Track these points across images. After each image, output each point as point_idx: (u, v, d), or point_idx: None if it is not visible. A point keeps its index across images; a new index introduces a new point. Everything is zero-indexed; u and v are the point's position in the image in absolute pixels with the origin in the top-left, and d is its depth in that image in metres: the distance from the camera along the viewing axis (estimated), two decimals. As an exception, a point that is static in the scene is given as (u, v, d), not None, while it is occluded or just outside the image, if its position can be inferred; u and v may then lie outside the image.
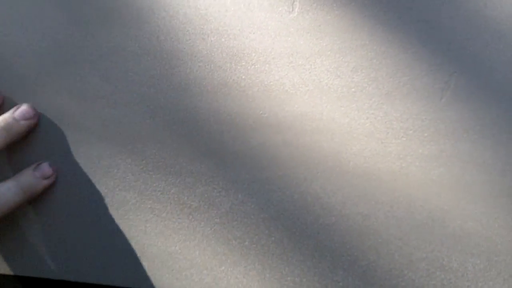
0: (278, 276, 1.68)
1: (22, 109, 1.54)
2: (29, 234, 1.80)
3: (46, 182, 1.51)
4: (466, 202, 1.65)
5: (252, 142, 1.78)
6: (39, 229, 1.80)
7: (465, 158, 1.66)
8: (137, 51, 1.87)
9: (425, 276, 1.61)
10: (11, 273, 1.86)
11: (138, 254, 1.72)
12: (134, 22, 1.85)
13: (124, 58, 1.88)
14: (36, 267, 1.80)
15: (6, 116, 1.49)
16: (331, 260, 1.65)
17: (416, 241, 1.62)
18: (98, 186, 1.80)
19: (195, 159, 1.83)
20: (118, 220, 1.78)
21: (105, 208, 1.78)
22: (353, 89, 1.77)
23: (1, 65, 1.97)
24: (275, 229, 1.72)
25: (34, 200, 1.65)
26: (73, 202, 1.82)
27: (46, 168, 1.52)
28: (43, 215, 1.83)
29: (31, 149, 1.89)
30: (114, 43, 1.90)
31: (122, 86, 1.87)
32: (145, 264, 1.72)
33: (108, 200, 1.80)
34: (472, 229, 1.62)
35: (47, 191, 1.61)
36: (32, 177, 1.50)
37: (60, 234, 1.80)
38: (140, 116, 1.83)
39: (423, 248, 1.61)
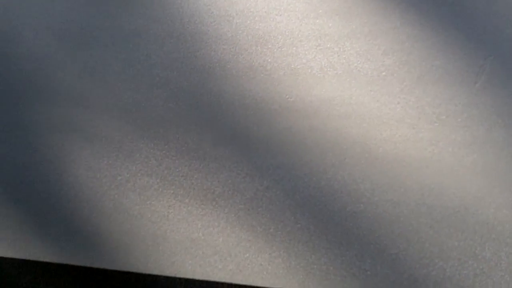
0: (304, 264, 1.63)
1: None
2: (50, 220, 1.81)
3: None
4: (500, 189, 1.63)
5: (278, 127, 1.74)
6: (61, 215, 1.81)
7: (499, 145, 1.64)
8: (160, 34, 1.87)
9: (457, 265, 1.57)
10: (25, 258, 1.87)
11: (161, 240, 1.72)
12: (157, 4, 1.84)
13: (146, 40, 1.88)
14: (54, 253, 1.81)
15: None
16: (359, 248, 1.62)
17: (447, 229, 1.58)
18: (120, 171, 1.81)
19: (219, 144, 1.78)
20: (140, 205, 1.78)
21: (127, 193, 1.79)
22: (383, 73, 1.76)
23: (22, 47, 1.98)
24: (301, 216, 1.69)
25: (55, 185, 1.65)
26: (94, 187, 1.82)
27: None
28: (64, 200, 1.84)
29: (55, 130, 1.89)
30: (136, 26, 1.90)
31: (144, 69, 1.87)
32: (168, 250, 1.72)
33: (130, 185, 1.80)
34: (506, 217, 1.60)
35: (66, 173, 1.62)
36: None
37: (81, 220, 1.81)
38: (163, 100, 1.83)
39: (455, 237, 1.58)
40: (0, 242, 1.79)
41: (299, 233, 1.64)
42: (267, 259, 1.64)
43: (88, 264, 1.73)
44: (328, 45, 1.70)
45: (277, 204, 1.65)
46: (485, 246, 1.55)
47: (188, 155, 1.72)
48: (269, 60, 1.72)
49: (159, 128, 1.73)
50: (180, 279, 1.68)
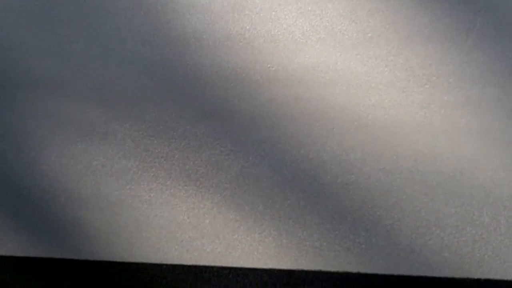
0: (296, 241, 1.58)
1: None
2: (23, 212, 1.70)
3: None
4: (496, 151, 1.57)
5: (261, 99, 1.63)
6: (35, 206, 1.71)
7: (494, 104, 1.57)
8: (129, 5, 1.74)
9: (455, 232, 1.51)
10: (0, 254, 1.78)
11: (144, 226, 1.64)
12: (123, -27, 1.71)
13: (114, 13, 1.76)
14: (33, 246, 1.72)
15: None
16: (352, 221, 1.55)
17: (443, 196, 1.52)
18: (95, 156, 1.71)
19: (199, 120, 1.66)
20: (119, 191, 1.69)
21: (104, 178, 1.69)
22: (369, 35, 1.67)
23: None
24: (290, 191, 1.60)
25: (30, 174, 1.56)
26: (69, 174, 1.72)
27: None
28: (37, 190, 1.74)
29: (22, 116, 1.78)
30: (102, -3, 1.78)
31: (113, 44, 1.74)
32: (152, 236, 1.64)
33: (107, 170, 1.70)
34: (504, 179, 1.54)
35: (38, 161, 1.52)
36: None
37: (58, 210, 1.71)
38: (136, 77, 1.72)
39: (452, 203, 1.52)
40: (-27, 238, 1.70)
41: (289, 209, 1.57)
42: (257, 239, 1.57)
43: (68, 256, 1.65)
44: (310, 8, 1.61)
45: (264, 180, 1.58)
46: (483, 211, 1.49)
47: (167, 134, 1.62)
48: (247, 27, 1.62)
49: (134, 107, 1.63)
50: (167, 265, 1.61)
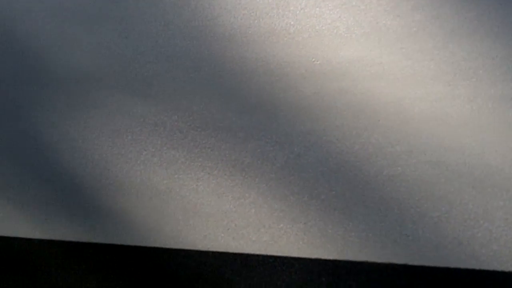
0: (341, 232, 1.31)
1: None
2: (76, 199, 1.49)
3: None
4: (548, 143, 1.30)
5: (306, 92, 1.35)
6: (87, 193, 1.50)
7: (542, 97, 1.31)
8: (177, 2, 1.52)
9: (503, 225, 1.23)
10: (53, 238, 1.57)
11: (191, 214, 1.41)
12: (172, -29, 1.50)
13: (163, 10, 1.54)
14: (85, 232, 1.52)
15: None
16: (398, 213, 1.28)
17: (491, 189, 1.24)
18: (145, 146, 1.49)
19: (245, 112, 1.37)
20: (168, 180, 1.46)
21: (153, 167, 1.46)
22: (414, 29, 1.30)
23: (35, 26, 1.65)
24: (335, 182, 1.31)
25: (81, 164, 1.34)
26: (120, 164, 1.50)
27: None
28: (89, 178, 1.53)
29: (75, 108, 1.58)
30: (152, -5, 1.56)
31: (162, 40, 1.53)
32: (199, 224, 1.36)
33: (156, 160, 1.47)
34: (554, 173, 1.28)
35: (90, 151, 1.31)
36: None
37: (108, 198, 1.50)
38: (184, 71, 1.50)
39: (500, 196, 1.24)
40: (28, 224, 1.50)
41: (334, 200, 1.33)
42: (302, 229, 1.34)
43: (118, 242, 1.43)
44: (354, 3, 1.37)
45: (309, 171, 1.34)
46: (532, 204, 1.24)
47: (213, 126, 1.40)
48: (292, 22, 1.40)
49: (182, 99, 1.41)
50: (213, 252, 1.38)
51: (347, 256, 1.21)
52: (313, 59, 1.28)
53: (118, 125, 1.35)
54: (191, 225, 1.30)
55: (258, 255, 1.27)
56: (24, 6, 1.44)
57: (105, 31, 1.38)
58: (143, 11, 1.35)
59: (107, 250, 1.35)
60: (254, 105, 1.29)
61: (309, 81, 1.27)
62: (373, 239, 1.20)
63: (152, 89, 1.33)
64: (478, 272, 1.15)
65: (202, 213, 1.30)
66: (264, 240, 1.26)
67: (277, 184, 1.27)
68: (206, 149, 1.31)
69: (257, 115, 1.28)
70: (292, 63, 1.29)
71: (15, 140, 1.43)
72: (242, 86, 1.30)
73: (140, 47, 1.36)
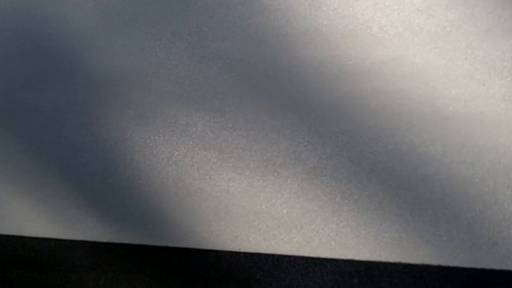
0: (374, 233, 1.43)
1: None
2: (108, 199, 1.65)
3: None
4: None
5: (338, 92, 1.49)
6: (119, 194, 1.65)
7: None
8: (209, 3, 1.67)
9: None
10: (85, 239, 1.71)
11: (222, 215, 1.53)
12: (205, -27, 1.65)
13: (196, 11, 1.70)
14: (116, 233, 1.66)
15: None
16: (432, 213, 1.40)
17: None
18: (177, 146, 1.64)
19: (278, 113, 1.52)
20: (199, 180, 1.60)
21: (185, 168, 1.61)
22: (448, 28, 1.45)
23: (69, 27, 1.82)
24: (368, 182, 1.44)
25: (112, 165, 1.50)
26: (152, 164, 1.65)
27: None
28: (121, 178, 1.68)
29: (107, 109, 1.73)
30: (185, -4, 1.71)
31: (195, 41, 1.68)
32: (230, 224, 1.52)
33: (188, 160, 1.63)
34: None
35: (122, 151, 1.46)
36: None
37: (140, 198, 1.65)
38: (216, 72, 1.65)
39: None
40: (59, 224, 1.65)
41: (367, 200, 1.45)
42: (334, 230, 1.46)
43: (149, 243, 1.57)
44: (387, 3, 1.50)
45: (342, 171, 1.47)
46: None
47: (245, 126, 1.54)
48: (325, 23, 1.53)
49: (214, 100, 1.56)
50: (244, 253, 1.51)
51: (380, 257, 1.32)
52: (346, 59, 1.41)
53: (150, 126, 1.50)
54: (222, 226, 1.44)
55: (289, 256, 1.39)
56: (59, 9, 1.61)
57: (138, 33, 1.54)
58: (176, 12, 1.51)
59: (138, 251, 1.49)
60: (287, 105, 1.42)
61: (342, 81, 1.40)
62: (406, 239, 1.31)
63: (184, 90, 1.48)
64: (514, 273, 1.25)
65: (234, 213, 1.43)
66: (296, 241, 1.38)
67: (309, 184, 1.39)
68: (237, 149, 1.45)
69: (289, 115, 1.42)
70: (325, 63, 1.42)
71: (48, 141, 1.59)
72: (274, 87, 1.44)
73: (172, 48, 1.51)
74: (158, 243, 1.50)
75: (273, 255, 1.43)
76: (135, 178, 1.52)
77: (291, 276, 1.41)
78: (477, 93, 1.35)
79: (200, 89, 1.51)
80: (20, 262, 1.59)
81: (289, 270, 1.42)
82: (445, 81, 1.36)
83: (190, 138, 1.51)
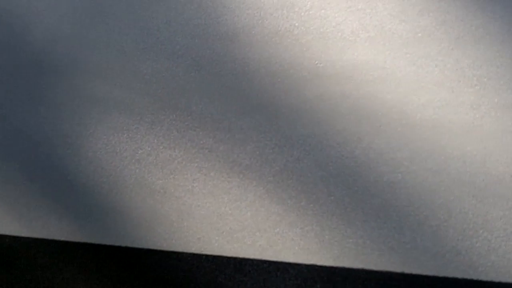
0: (338, 238, 1.43)
1: None
2: (68, 197, 1.62)
3: None
4: (553, 153, 1.42)
5: (308, 95, 1.48)
6: (80, 191, 1.62)
7: (545, 108, 1.44)
8: (179, 0, 1.66)
9: (502, 236, 1.35)
10: (42, 236, 1.68)
11: (185, 216, 1.49)
12: (176, -33, 1.63)
13: (166, 7, 1.68)
14: (75, 231, 1.63)
15: None
16: (397, 220, 1.40)
17: (492, 198, 1.37)
18: (141, 144, 1.61)
19: (245, 114, 1.50)
20: (163, 180, 1.58)
21: (149, 167, 1.59)
22: (419, 34, 1.44)
23: (35, 19, 1.78)
24: (334, 187, 1.44)
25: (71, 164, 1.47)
26: (114, 162, 1.64)
27: None
28: (82, 176, 1.65)
29: (70, 103, 1.70)
30: (155, -10, 1.68)
31: (164, 37, 1.66)
32: (193, 226, 1.49)
33: (152, 159, 1.60)
34: (555, 184, 1.40)
35: (84, 148, 1.43)
36: None
37: (101, 197, 1.62)
38: (184, 69, 1.63)
39: (500, 206, 1.37)
40: (16, 221, 1.61)
41: (332, 205, 1.46)
42: (299, 234, 1.46)
43: (109, 243, 1.55)
44: (360, 6, 1.51)
45: (308, 175, 1.47)
46: (533, 215, 1.36)
47: (212, 126, 1.53)
48: (297, 24, 1.53)
49: (181, 98, 1.54)
50: (207, 256, 1.50)
51: (344, 263, 1.32)
52: (317, 62, 1.41)
53: (114, 122, 1.47)
54: (185, 227, 1.42)
55: (252, 260, 1.38)
56: (23, 1, 1.57)
57: (105, 27, 1.51)
58: (145, 7, 1.49)
59: (97, 251, 1.46)
60: (255, 106, 1.41)
61: (312, 84, 1.40)
62: (370, 246, 1.31)
63: (150, 87, 1.46)
64: (476, 282, 1.26)
65: (197, 215, 1.41)
66: (260, 244, 1.37)
67: (275, 187, 1.39)
68: (203, 149, 1.43)
69: (257, 116, 1.41)
70: (295, 65, 1.42)
71: (6, 134, 1.55)
72: (243, 87, 1.43)
73: (140, 44, 1.49)
74: (117, 243, 1.48)
75: (235, 258, 1.42)
76: (97, 176, 1.49)
77: (253, 280, 1.40)
78: (446, 101, 1.36)
79: (167, 86, 1.49)
80: (-29, 260, 1.55)
81: (251, 274, 1.41)
82: (415, 87, 1.37)
83: (155, 137, 1.48)
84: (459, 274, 1.29)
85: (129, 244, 1.45)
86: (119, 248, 1.46)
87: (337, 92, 1.39)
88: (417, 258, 1.31)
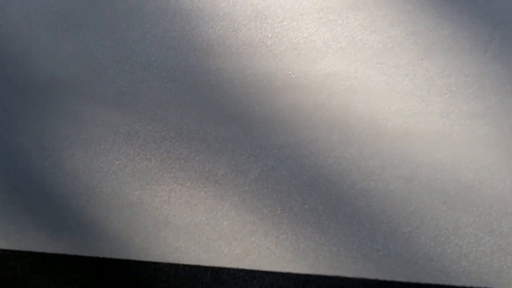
0: (313, 246, 1.45)
1: None
2: (45, 208, 1.62)
3: None
4: (519, 161, 1.45)
5: (281, 105, 1.51)
6: (57, 203, 1.63)
7: (512, 115, 1.48)
8: (155, 12, 1.68)
9: (473, 242, 1.38)
10: (20, 249, 1.68)
11: (162, 226, 1.50)
12: (151, -20, 1.65)
13: (140, 19, 1.70)
14: (53, 243, 1.64)
15: None
16: (370, 228, 1.43)
17: (462, 205, 1.40)
18: (117, 155, 1.62)
19: (220, 124, 1.52)
20: (140, 190, 1.60)
21: (125, 178, 1.60)
22: (389, 45, 1.48)
23: (9, 29, 1.79)
24: (308, 196, 1.46)
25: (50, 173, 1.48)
26: (91, 173, 1.64)
27: None
28: (59, 187, 1.66)
29: (47, 115, 1.71)
30: (130, 4, 1.71)
31: (139, 49, 1.68)
32: (170, 236, 1.50)
33: (128, 170, 1.61)
34: (523, 190, 1.44)
35: (61, 159, 1.45)
36: None
37: (78, 208, 1.63)
38: (160, 81, 1.65)
39: (471, 212, 1.39)
40: (-6, 234, 1.62)
41: (307, 214, 1.48)
42: (274, 242, 1.48)
43: (86, 254, 1.56)
44: (331, 18, 1.54)
45: (283, 184, 1.49)
46: (502, 221, 1.40)
47: (188, 137, 1.55)
48: (270, 35, 1.56)
49: (157, 109, 1.56)
50: (184, 265, 1.51)
51: (318, 271, 1.35)
52: (290, 72, 1.43)
53: (90, 134, 1.49)
54: (162, 237, 1.44)
55: (229, 269, 1.40)
56: (-1, 11, 1.58)
57: (81, 39, 1.53)
58: (121, 19, 1.51)
59: (75, 262, 1.48)
60: (229, 117, 1.44)
61: (285, 94, 1.42)
62: (344, 253, 1.34)
63: (126, 98, 1.48)
64: (448, 288, 1.29)
65: (174, 225, 1.43)
66: (236, 253, 1.39)
67: (250, 196, 1.41)
68: (179, 160, 1.45)
69: (232, 127, 1.43)
70: (269, 75, 1.44)
71: (-15, 146, 1.55)
72: (218, 98, 1.45)
73: (116, 55, 1.51)
74: (95, 254, 1.49)
75: (212, 268, 1.44)
76: (74, 187, 1.51)
77: (230, 289, 1.42)
78: (417, 110, 1.39)
79: (143, 98, 1.51)
80: None
81: (228, 282, 1.43)
82: (385, 96, 1.40)
83: (132, 148, 1.50)
84: (431, 280, 1.32)
85: (107, 255, 1.46)
86: (97, 259, 1.47)
87: (310, 102, 1.42)
88: (390, 264, 1.33)
